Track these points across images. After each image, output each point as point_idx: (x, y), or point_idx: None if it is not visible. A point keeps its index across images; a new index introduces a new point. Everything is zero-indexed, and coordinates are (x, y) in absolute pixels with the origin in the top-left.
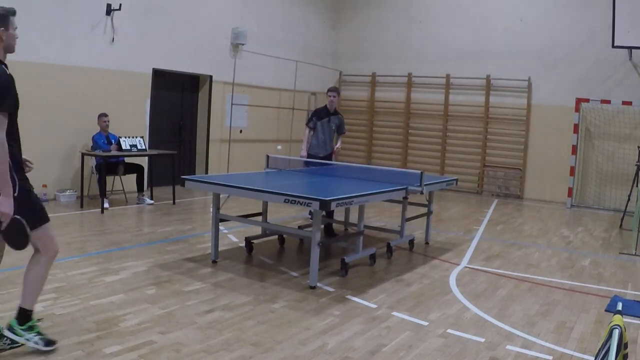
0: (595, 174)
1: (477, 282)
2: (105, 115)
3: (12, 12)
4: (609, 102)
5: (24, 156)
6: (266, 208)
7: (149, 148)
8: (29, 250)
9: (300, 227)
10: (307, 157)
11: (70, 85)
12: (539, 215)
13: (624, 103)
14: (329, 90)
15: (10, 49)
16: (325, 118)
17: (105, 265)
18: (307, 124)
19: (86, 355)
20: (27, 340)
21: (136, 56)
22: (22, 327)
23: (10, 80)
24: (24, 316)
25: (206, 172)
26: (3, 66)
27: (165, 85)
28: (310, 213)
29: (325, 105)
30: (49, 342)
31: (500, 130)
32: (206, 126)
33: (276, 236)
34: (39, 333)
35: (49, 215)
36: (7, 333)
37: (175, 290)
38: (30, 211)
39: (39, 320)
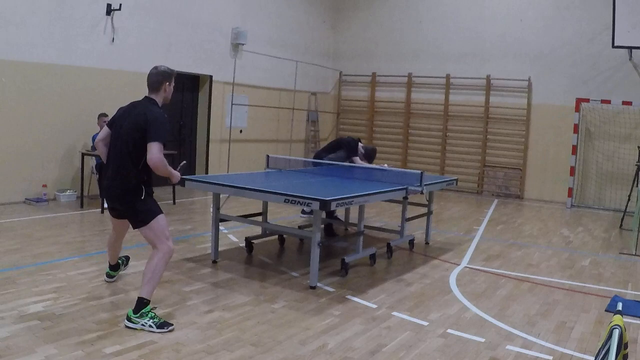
0: (595, 174)
1: (477, 282)
2: (105, 115)
3: None
4: (609, 102)
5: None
6: (266, 208)
7: None
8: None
9: (300, 227)
10: None
11: (70, 85)
12: (539, 215)
13: (624, 103)
14: None
15: None
16: None
17: (105, 265)
18: None
19: (86, 355)
20: (143, 325)
21: (136, 56)
22: (136, 315)
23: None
24: (141, 305)
25: (206, 172)
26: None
27: None
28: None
29: None
30: (163, 325)
31: (500, 130)
32: (206, 126)
33: (276, 236)
34: (152, 318)
35: (49, 215)
36: (125, 322)
37: (175, 290)
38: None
39: (153, 307)
